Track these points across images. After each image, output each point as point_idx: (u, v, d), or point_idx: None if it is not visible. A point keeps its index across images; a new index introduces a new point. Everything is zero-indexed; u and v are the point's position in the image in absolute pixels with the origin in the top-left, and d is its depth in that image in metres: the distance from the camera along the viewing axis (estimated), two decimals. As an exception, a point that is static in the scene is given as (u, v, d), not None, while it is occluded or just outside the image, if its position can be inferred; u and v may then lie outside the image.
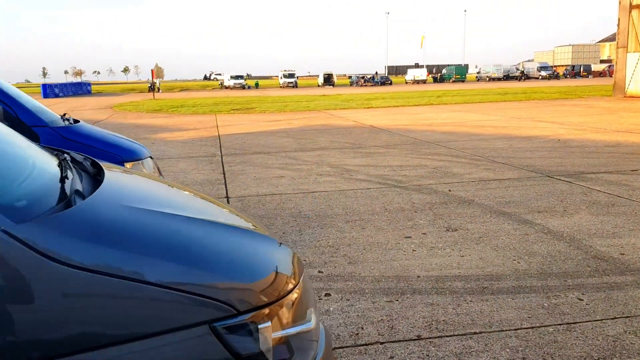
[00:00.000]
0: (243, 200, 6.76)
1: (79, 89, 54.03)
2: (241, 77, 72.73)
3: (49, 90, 45.17)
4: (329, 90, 55.61)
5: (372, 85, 71.52)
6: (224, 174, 8.71)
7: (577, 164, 8.55)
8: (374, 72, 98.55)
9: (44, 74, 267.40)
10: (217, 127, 16.92)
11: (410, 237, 5.03)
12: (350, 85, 77.44)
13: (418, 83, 74.99)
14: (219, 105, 27.92)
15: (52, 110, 4.94)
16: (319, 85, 74.23)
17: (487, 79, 78.71)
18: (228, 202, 6.76)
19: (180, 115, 22.46)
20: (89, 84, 60.18)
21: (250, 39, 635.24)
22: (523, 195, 6.57)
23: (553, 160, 9.03)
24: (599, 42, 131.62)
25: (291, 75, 72.81)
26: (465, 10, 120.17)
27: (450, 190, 6.94)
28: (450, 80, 77.77)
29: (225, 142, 12.80)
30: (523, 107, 21.52)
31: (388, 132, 14.03)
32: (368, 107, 24.47)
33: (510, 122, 15.72)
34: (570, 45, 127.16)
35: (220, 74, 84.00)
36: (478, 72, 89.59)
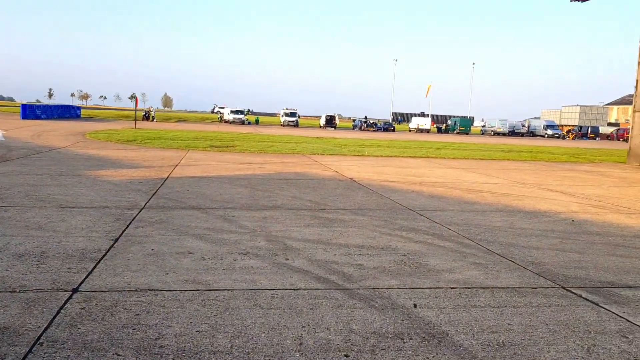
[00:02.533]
0: (90, 301, 4.36)
1: (66, 112, 52.21)
2: (241, 112, 71.19)
3: (29, 111, 43.19)
4: (328, 132, 53.73)
5: (374, 131, 69.81)
6: (115, 240, 6.35)
7: (603, 266, 6.16)
8: (378, 119, 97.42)
9: (50, 95, 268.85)
10: (176, 166, 14.67)
11: None
12: (353, 128, 75.84)
13: (421, 132, 73.29)
14: (199, 140, 25.79)
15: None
16: (320, 127, 72.61)
17: (492, 133, 77.01)
18: (70, 297, 4.38)
19: (149, 149, 20.28)
20: (79, 108, 58.44)
21: (260, 75, 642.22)
22: (526, 330, 4.16)
23: (568, 255, 6.64)
24: (607, 104, 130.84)
25: (292, 114, 71.24)
26: (474, 63, 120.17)
27: (415, 306, 4.55)
28: (455, 132, 76.09)
29: (165, 189, 10.49)
30: (528, 169, 19.25)
31: (366, 189, 11.71)
32: (359, 155, 22.28)
33: (513, 187, 13.40)
34: (578, 105, 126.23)
35: (223, 107, 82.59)
36: (483, 126, 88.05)
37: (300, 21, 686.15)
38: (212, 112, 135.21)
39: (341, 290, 4.89)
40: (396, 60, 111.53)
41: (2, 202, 8.39)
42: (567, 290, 5.20)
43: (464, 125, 76.32)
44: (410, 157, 22.59)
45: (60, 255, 5.59)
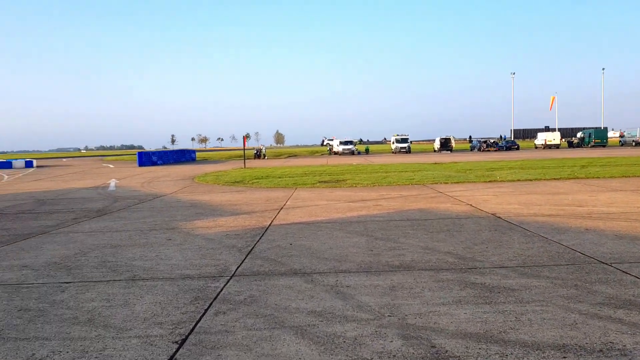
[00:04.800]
0: None
1: (182, 156, 53.87)
2: (350, 142, 69.73)
3: (146, 159, 44.58)
4: (445, 156, 50.17)
5: (495, 151, 64.71)
6: (180, 345, 4.31)
7: None
8: (498, 136, 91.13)
9: (172, 141, 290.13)
10: (281, 209, 12.81)
11: None
12: (471, 150, 71.19)
13: (550, 148, 66.66)
14: (308, 175, 24.10)
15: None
16: (434, 151, 69.01)
17: (633, 143, 68.14)
18: None
19: (255, 190, 18.83)
20: (194, 152, 60.24)
21: (369, 103, 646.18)
22: None
23: None
24: None
25: (404, 140, 68.41)
26: (603, 69, 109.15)
27: None
28: (589, 145, 68.35)
29: (264, 243, 8.51)
30: None
31: (521, 230, 8.88)
32: (490, 181, 19.10)
33: None
34: None
35: (332, 140, 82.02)
36: (621, 136, 78.62)
37: (404, 40, 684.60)
38: (322, 144, 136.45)
39: None
40: (513, 73, 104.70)
41: (68, 274, 6.83)
42: None
43: (600, 137, 68.30)
44: (554, 179, 18.94)
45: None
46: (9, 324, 4.92)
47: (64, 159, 75.44)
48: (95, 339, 4.49)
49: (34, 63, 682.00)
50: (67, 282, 6.42)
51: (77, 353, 4.20)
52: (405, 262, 6.94)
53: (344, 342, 4.28)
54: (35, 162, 50.57)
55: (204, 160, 55.19)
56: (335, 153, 68.34)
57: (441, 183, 18.69)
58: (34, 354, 4.19)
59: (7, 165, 46.96)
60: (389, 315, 4.88)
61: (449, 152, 65.61)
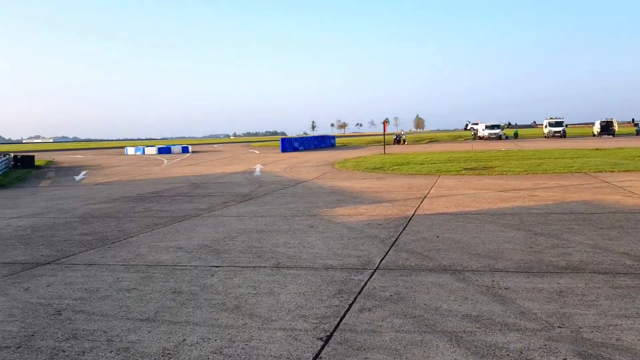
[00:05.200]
0: None
1: (322, 142, 54.96)
2: (497, 126, 65.73)
3: (288, 144, 46.45)
4: (606, 141, 45.05)
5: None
6: (325, 342, 4.09)
7: None
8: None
9: (313, 127, 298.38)
10: (424, 198, 12.24)
11: None
12: (637, 134, 63.33)
13: None
14: (452, 162, 23.00)
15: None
16: (593, 135, 62.50)
17: None
18: None
19: (396, 177, 18.39)
20: (333, 137, 61.05)
21: (515, 86, 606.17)
22: None
23: None
24: None
25: (558, 124, 62.80)
26: None
27: None
28: None
29: (408, 235, 8.09)
30: None
31: None
32: (666, 169, 16.58)
33: None
34: None
35: (476, 124, 78.28)
36: None
37: (554, 19, 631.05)
38: (465, 129, 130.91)
39: None
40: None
41: (217, 258, 7.04)
42: None
43: None
44: None
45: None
46: (163, 306, 5.10)
47: (215, 145, 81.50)
48: (242, 328, 4.44)
49: (197, 58, 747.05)
50: (216, 266, 6.60)
51: (225, 342, 4.17)
52: (573, 262, 6.06)
53: (508, 355, 3.72)
54: (190, 148, 55.15)
55: (343, 146, 55.91)
56: (480, 138, 64.99)
57: (606, 171, 16.64)
58: (184, 340, 4.24)
59: (167, 150, 51.89)
60: (559, 326, 4.20)
61: (611, 136, 58.98)
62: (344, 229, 8.75)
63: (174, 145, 59.55)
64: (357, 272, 6.07)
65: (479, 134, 66.63)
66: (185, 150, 53.28)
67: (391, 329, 4.31)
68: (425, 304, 4.87)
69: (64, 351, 4.11)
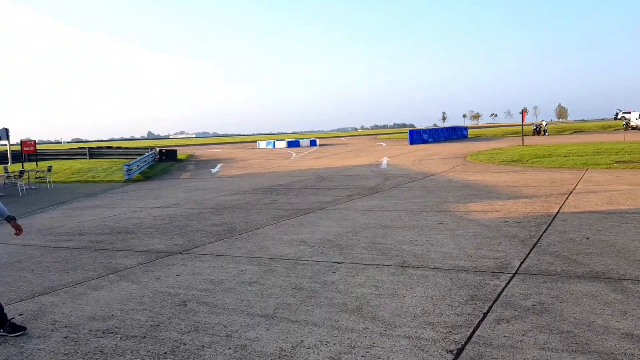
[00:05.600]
0: None
1: (453, 133, 52.61)
2: (654, 114, 58.35)
3: (416, 136, 45.02)
4: None
5: None
6: (455, 357, 3.59)
7: None
8: None
9: (443, 118, 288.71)
10: (570, 193, 10.98)
11: None
12: None
13: None
14: (601, 154, 20.60)
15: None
16: None
17: None
18: None
19: (537, 170, 16.88)
20: (465, 128, 58.09)
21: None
22: None
23: None
24: None
25: None
26: None
27: None
28: None
29: (552, 235, 7.19)
30: None
31: None
32: None
33: None
34: None
35: (628, 112, 70.33)
36: None
37: None
38: (615, 118, 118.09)
39: None
40: None
41: (340, 254, 6.78)
42: None
43: None
44: None
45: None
46: (283, 303, 4.94)
47: (342, 138, 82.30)
48: (363, 333, 4.10)
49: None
50: (338, 262, 6.34)
51: (344, 347, 3.86)
52: None
53: (692, 394, 2.95)
54: (318, 141, 56.23)
55: (476, 138, 53.24)
56: (634, 128, 58.22)
57: None
58: (302, 341, 4.01)
59: (296, 144, 53.42)
60: None
61: None
62: (478, 227, 8.04)
63: (303, 138, 61.16)
64: (493, 276, 5.43)
65: (632, 124, 59.71)
66: (313, 143, 54.44)
67: (534, 345, 3.69)
68: (575, 318, 4.15)
69: (184, 344, 4.08)
